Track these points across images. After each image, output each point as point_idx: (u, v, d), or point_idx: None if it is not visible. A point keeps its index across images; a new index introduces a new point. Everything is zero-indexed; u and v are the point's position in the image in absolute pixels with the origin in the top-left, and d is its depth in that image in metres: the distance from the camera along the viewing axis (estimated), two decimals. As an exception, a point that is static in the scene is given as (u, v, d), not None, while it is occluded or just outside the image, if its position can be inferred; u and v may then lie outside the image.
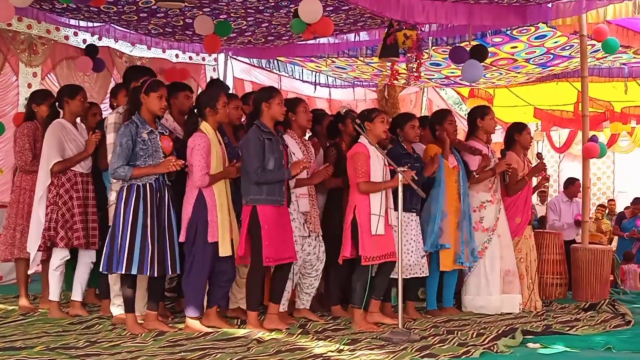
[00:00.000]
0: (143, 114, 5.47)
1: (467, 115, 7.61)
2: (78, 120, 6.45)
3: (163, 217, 5.48)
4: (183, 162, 5.45)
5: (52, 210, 6.07)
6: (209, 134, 5.62)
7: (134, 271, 5.35)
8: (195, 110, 5.84)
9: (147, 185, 5.42)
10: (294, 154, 6.00)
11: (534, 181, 7.52)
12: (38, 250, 6.11)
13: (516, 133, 7.38)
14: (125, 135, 5.36)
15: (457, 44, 9.32)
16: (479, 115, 7.17)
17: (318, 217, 6.28)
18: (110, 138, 5.81)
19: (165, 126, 5.78)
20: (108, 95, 10.65)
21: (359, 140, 6.01)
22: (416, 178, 5.82)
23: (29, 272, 6.44)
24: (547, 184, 10.33)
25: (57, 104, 6.33)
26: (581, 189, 8.96)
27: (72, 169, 6.16)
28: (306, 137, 6.61)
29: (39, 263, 6.39)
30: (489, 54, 9.26)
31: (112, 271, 5.41)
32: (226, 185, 5.70)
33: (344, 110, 6.09)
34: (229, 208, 5.67)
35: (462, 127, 10.19)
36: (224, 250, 5.57)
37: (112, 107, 6.50)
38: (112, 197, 5.78)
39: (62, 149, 6.13)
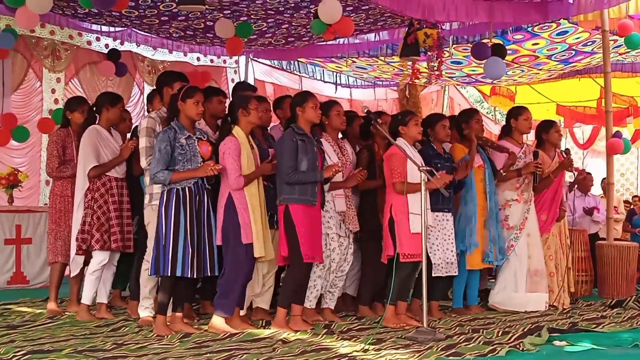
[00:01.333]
0: (182, 120, 5.58)
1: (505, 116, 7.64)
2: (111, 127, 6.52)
3: (202, 220, 5.58)
4: (221, 166, 5.53)
5: (87, 214, 6.15)
6: (239, 137, 5.70)
7: (178, 273, 5.42)
8: (228, 116, 5.91)
9: (187, 189, 5.51)
10: (329, 157, 6.06)
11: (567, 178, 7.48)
12: (76, 254, 6.20)
13: (543, 132, 7.40)
14: (163, 141, 5.47)
15: (478, 42, 9.28)
16: (513, 115, 7.22)
17: (355, 216, 6.29)
18: (142, 142, 5.86)
19: (204, 131, 5.84)
20: (132, 97, 10.80)
21: (396, 142, 6.01)
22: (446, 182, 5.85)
23: (73, 275, 6.48)
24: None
25: (94, 109, 6.39)
26: (596, 184, 8.85)
27: (107, 174, 6.23)
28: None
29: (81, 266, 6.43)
30: (511, 52, 9.20)
31: (160, 274, 5.49)
32: (259, 188, 5.77)
33: (365, 110, 6.12)
34: (261, 210, 5.73)
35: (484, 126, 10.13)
36: (259, 251, 5.63)
37: (149, 112, 6.62)
38: (146, 200, 5.88)
39: (98, 155, 6.20)
